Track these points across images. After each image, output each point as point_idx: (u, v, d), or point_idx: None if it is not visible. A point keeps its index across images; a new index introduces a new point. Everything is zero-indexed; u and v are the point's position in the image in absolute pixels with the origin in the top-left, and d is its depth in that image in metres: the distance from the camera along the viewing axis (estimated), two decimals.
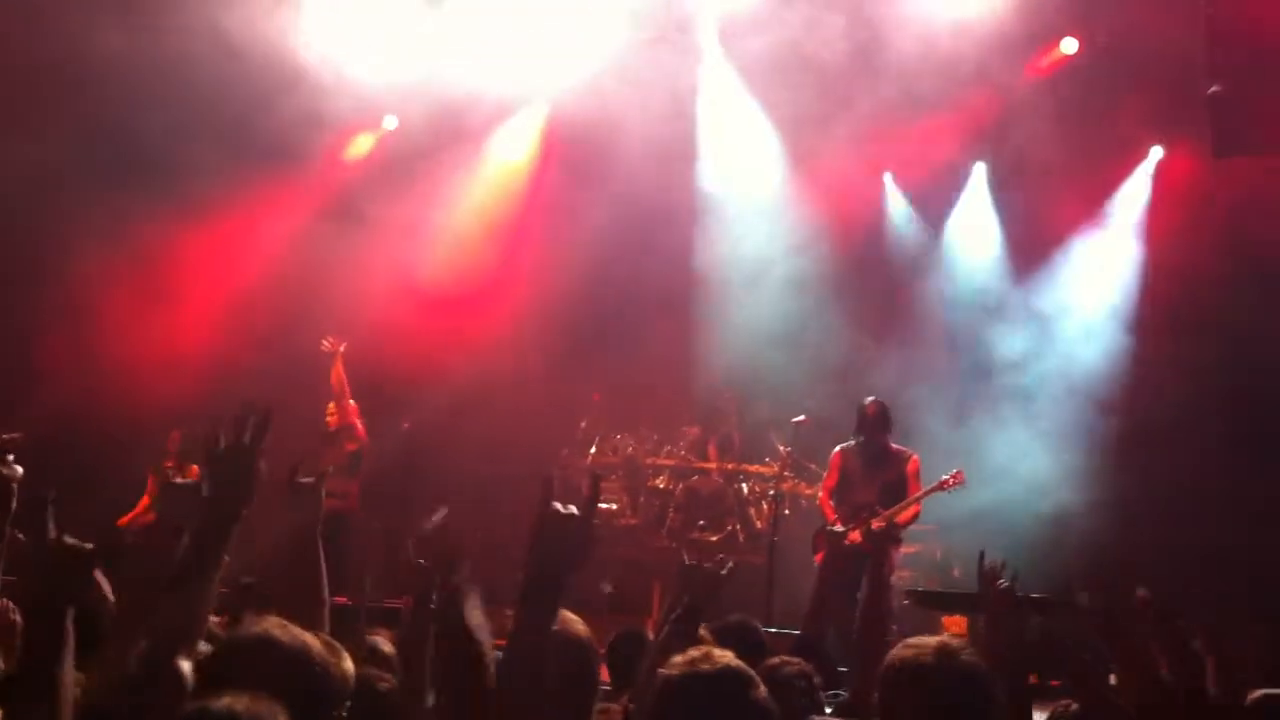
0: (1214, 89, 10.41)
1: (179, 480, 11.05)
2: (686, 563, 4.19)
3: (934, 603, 10.21)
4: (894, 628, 10.23)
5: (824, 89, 12.23)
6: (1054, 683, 5.02)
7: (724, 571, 4.12)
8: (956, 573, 11.46)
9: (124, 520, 11.46)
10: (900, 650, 3.23)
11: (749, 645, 5.02)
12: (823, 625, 9.24)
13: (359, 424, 11.20)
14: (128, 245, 12.47)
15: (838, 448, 9.93)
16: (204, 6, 11.83)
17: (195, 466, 11.58)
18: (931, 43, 12.01)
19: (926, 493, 9.52)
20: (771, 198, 13.32)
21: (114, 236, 12.33)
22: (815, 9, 11.80)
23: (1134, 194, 12.85)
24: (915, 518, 9.69)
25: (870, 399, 9.78)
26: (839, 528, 9.56)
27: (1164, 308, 12.27)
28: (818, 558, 9.78)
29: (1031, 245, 13.01)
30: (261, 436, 3.02)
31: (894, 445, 9.73)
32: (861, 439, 9.71)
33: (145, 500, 11.60)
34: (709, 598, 4.09)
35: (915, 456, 9.69)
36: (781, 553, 10.49)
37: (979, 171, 13.47)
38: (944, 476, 9.59)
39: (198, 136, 12.20)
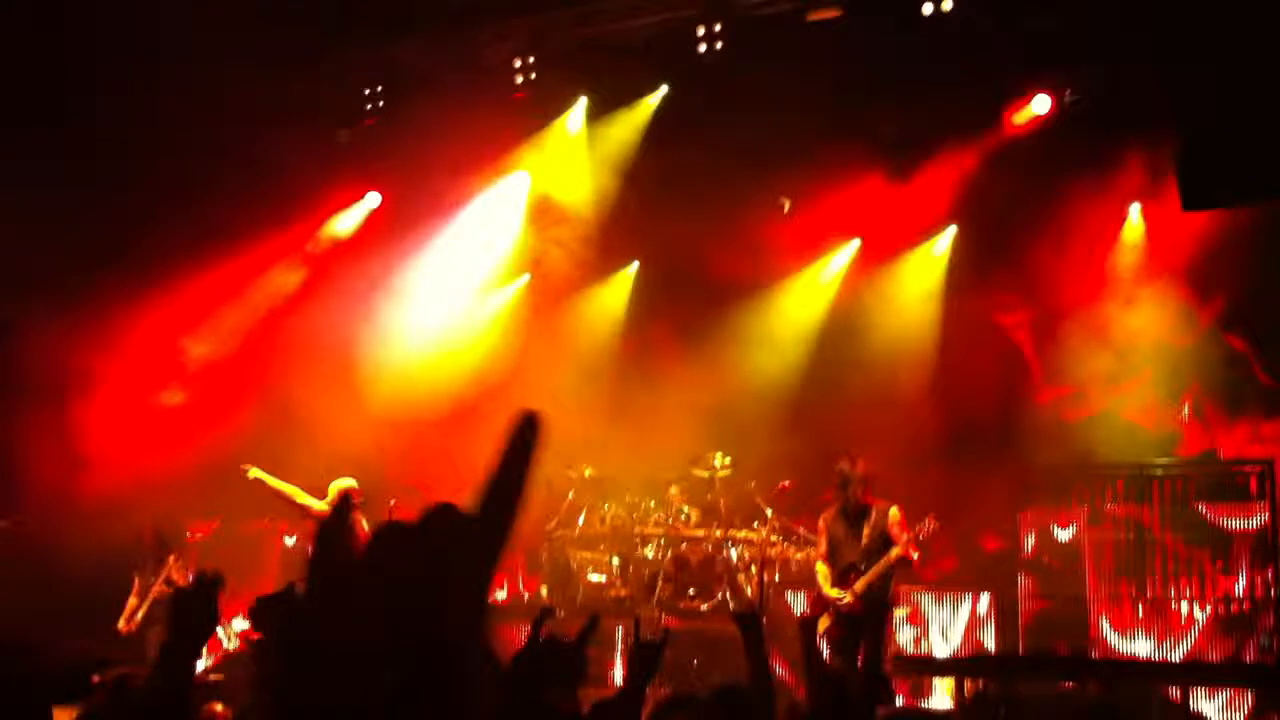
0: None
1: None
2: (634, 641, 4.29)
3: (921, 667, 10.21)
4: (895, 691, 10.26)
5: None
6: None
7: (660, 642, 4.21)
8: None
9: (124, 621, 11.49)
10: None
11: (739, 710, 5.07)
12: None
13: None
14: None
15: (822, 514, 9.99)
16: None
17: (171, 558, 11.63)
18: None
19: (906, 542, 9.45)
20: None
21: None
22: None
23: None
24: (910, 556, 9.57)
25: (844, 457, 9.80)
26: (833, 596, 9.57)
27: None
28: (821, 625, 9.77)
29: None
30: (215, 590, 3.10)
31: (874, 500, 9.75)
32: (842, 500, 9.75)
33: (133, 600, 11.60)
34: (647, 675, 4.16)
35: (895, 506, 9.70)
36: (772, 618, 10.44)
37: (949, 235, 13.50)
38: (919, 526, 9.62)
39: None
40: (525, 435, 2.75)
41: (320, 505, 10.77)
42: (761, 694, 4.44)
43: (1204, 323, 12.11)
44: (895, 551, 9.45)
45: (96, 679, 7.31)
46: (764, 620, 10.31)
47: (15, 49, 11.67)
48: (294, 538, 10.85)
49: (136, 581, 11.73)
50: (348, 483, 10.73)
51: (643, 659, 4.18)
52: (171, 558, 11.75)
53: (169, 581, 11.59)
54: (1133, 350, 12.20)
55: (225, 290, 13.78)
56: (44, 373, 12.66)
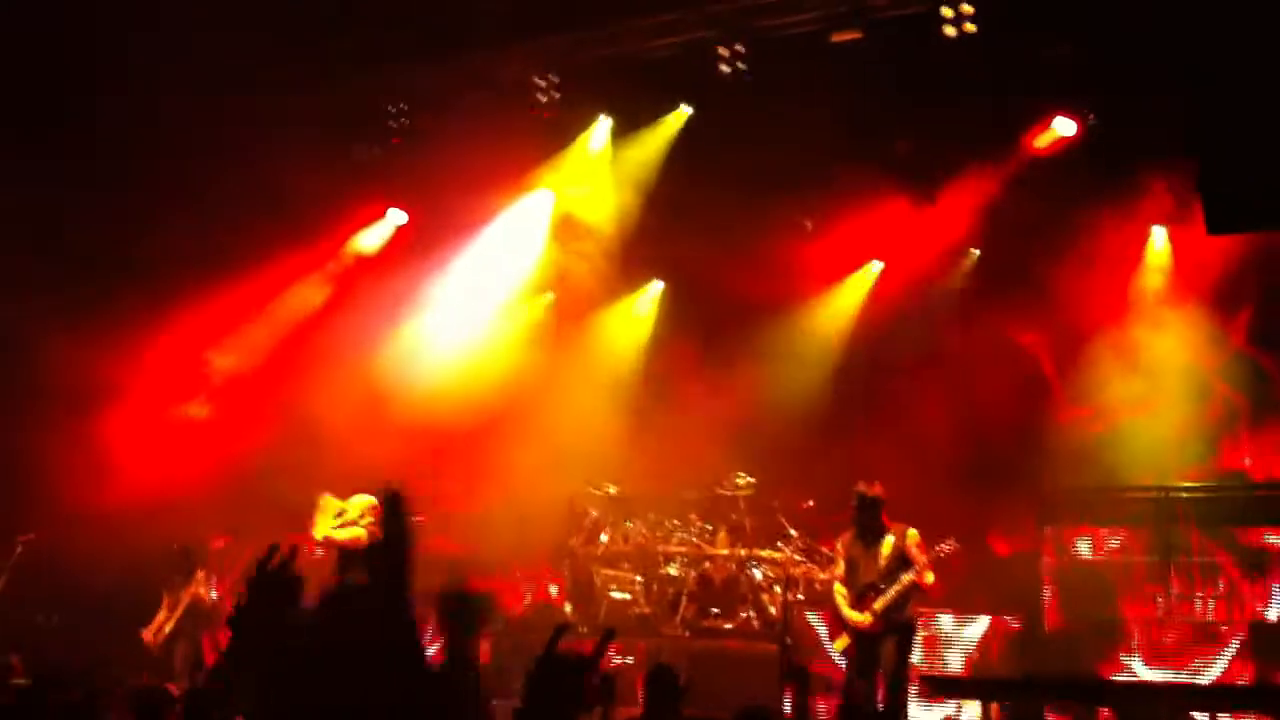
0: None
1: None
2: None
3: (947, 688, 10.23)
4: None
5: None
6: None
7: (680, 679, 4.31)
8: None
9: (151, 634, 11.60)
10: None
11: None
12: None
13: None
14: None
15: (839, 537, 10.03)
16: None
17: (200, 574, 11.74)
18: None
19: (923, 565, 9.51)
20: None
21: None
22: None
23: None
24: (924, 583, 9.65)
25: (862, 482, 9.87)
26: (853, 619, 9.62)
27: None
28: (835, 645, 9.82)
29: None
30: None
31: (892, 522, 9.80)
32: (860, 523, 9.80)
33: (162, 614, 11.70)
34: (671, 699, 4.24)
35: (913, 529, 9.76)
36: (796, 638, 10.50)
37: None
38: (937, 546, 9.64)
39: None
40: (395, 513, 3.32)
41: (354, 532, 10.70)
42: None
43: (1230, 343, 12.09)
44: (909, 576, 9.49)
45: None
46: (787, 640, 10.46)
47: (48, 58, 11.81)
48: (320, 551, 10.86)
49: (165, 596, 11.84)
50: (368, 500, 10.77)
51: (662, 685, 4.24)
52: (200, 573, 11.85)
53: (197, 597, 11.70)
54: (1158, 371, 12.19)
55: (250, 305, 13.93)
56: (68, 385, 12.77)
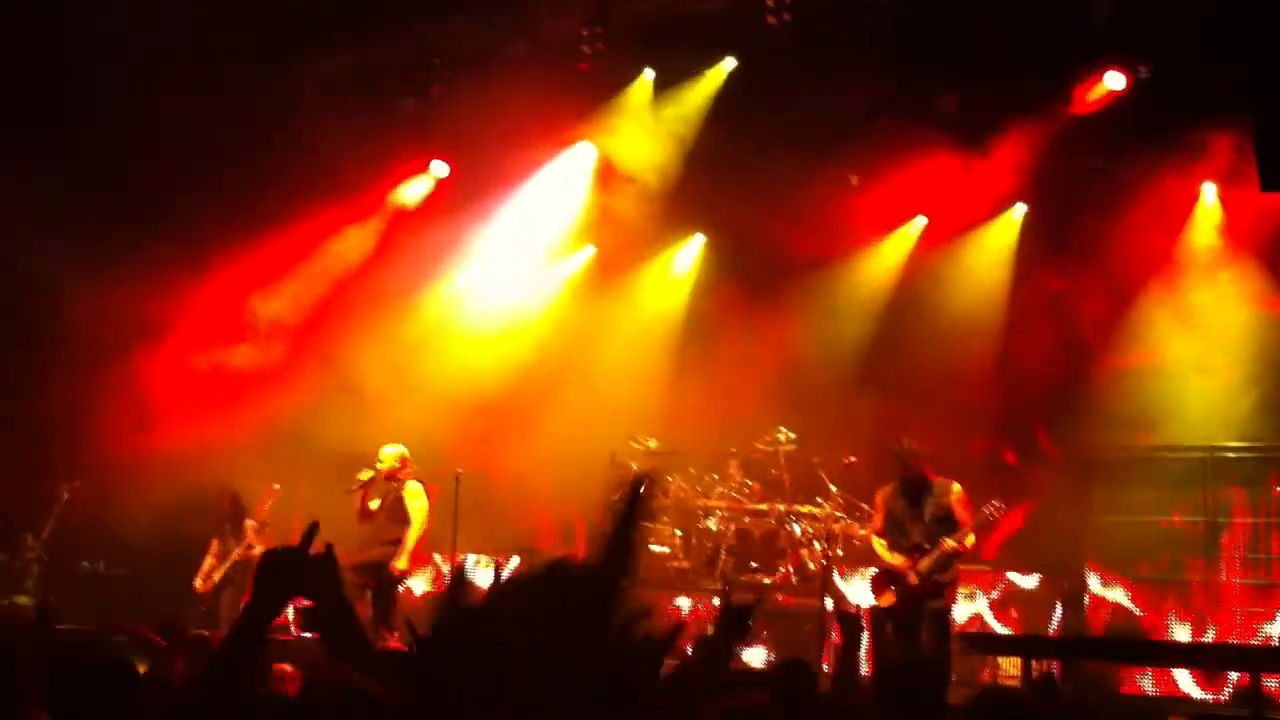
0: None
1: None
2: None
3: (986, 645, 10.21)
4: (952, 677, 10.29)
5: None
6: None
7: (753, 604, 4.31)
8: None
9: (201, 580, 11.75)
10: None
11: (803, 684, 5.13)
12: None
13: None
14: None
15: (879, 491, 10.01)
16: None
17: (251, 523, 11.87)
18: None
19: (959, 539, 9.50)
20: None
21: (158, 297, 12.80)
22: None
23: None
24: (965, 549, 9.66)
25: (904, 435, 9.83)
26: (899, 569, 9.60)
27: None
28: (879, 600, 9.80)
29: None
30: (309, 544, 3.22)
31: (934, 476, 9.76)
32: (902, 477, 9.76)
33: (210, 561, 11.84)
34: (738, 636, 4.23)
35: (957, 485, 9.71)
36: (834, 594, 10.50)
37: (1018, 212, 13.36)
38: (984, 507, 9.60)
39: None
40: (637, 497, 2.86)
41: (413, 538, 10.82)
42: (845, 687, 4.49)
43: None
44: (951, 543, 9.45)
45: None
46: (826, 595, 10.46)
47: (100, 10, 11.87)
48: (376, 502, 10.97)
49: (215, 543, 11.96)
50: (399, 450, 10.93)
51: (733, 622, 4.20)
52: (249, 521, 11.98)
53: (249, 546, 11.84)
54: (1207, 330, 12.03)
55: (293, 256, 13.97)
56: (112, 331, 12.88)
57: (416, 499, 10.68)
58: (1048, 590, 11.48)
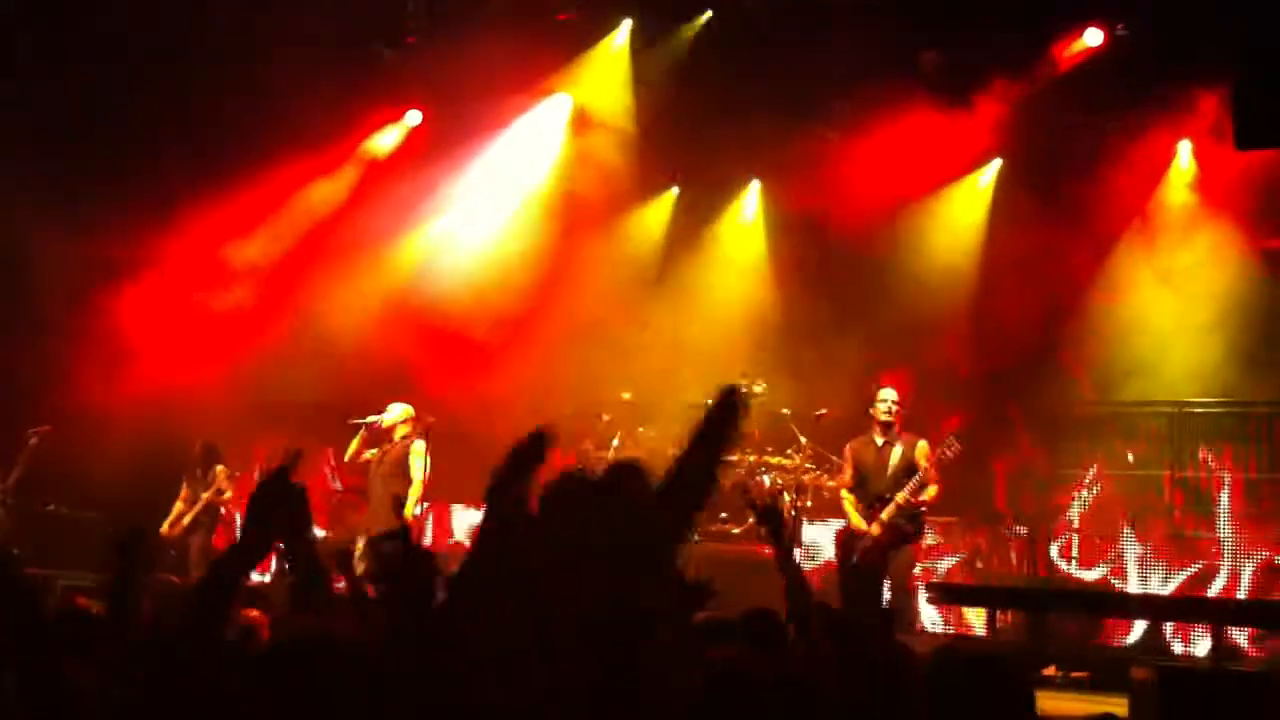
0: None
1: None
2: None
3: (953, 596, 10.29)
4: (919, 627, 10.38)
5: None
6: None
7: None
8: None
9: (169, 525, 11.70)
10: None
11: (772, 632, 5.13)
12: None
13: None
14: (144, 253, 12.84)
15: (849, 443, 10.04)
16: None
17: (221, 469, 11.84)
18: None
19: (927, 470, 9.54)
20: None
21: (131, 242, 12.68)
22: None
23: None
24: (931, 498, 9.72)
25: (885, 386, 9.87)
26: (861, 528, 9.64)
27: None
28: (843, 557, 9.86)
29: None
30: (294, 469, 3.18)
31: (903, 432, 9.80)
32: (872, 427, 9.80)
33: (180, 506, 11.80)
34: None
35: (924, 440, 9.77)
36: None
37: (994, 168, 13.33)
38: (940, 448, 9.66)
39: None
40: (729, 413, 2.61)
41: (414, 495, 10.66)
42: (794, 590, 4.42)
43: (1256, 261, 11.92)
44: (902, 496, 9.47)
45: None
46: (796, 548, 10.50)
47: None
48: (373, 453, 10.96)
49: (185, 489, 11.92)
50: (406, 410, 10.86)
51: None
52: (220, 468, 11.95)
53: (219, 492, 11.81)
54: (1180, 287, 12.08)
55: (266, 204, 13.86)
56: (81, 275, 12.78)
57: (419, 458, 10.64)
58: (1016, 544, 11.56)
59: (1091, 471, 11.85)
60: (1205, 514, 11.32)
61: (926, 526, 10.15)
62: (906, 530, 9.66)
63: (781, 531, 4.62)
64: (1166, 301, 12.07)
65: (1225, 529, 11.05)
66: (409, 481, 10.53)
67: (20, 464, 12.14)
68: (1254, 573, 10.84)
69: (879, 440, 9.82)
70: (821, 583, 10.45)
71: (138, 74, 12.69)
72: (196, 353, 13.28)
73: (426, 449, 10.66)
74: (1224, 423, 11.72)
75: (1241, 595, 10.70)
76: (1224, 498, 11.22)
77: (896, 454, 9.72)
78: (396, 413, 10.84)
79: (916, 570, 10.28)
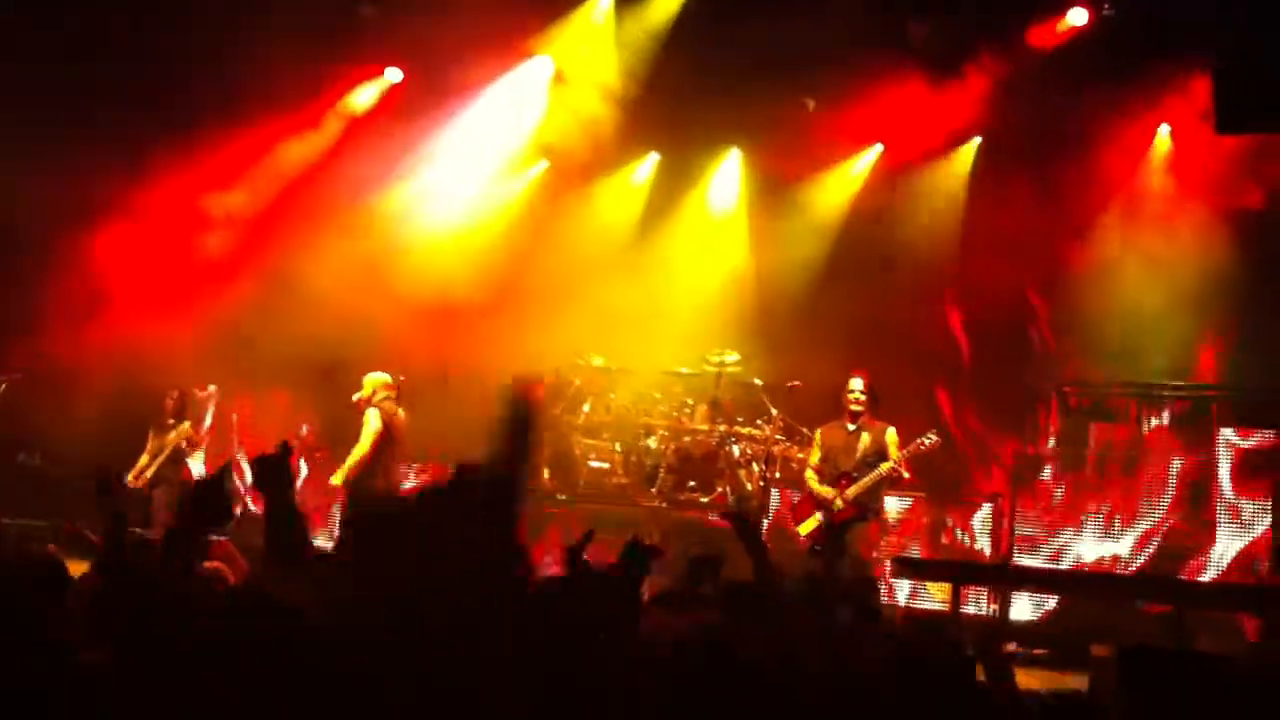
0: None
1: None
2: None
3: (918, 571, 10.34)
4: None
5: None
6: None
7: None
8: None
9: (133, 477, 11.60)
10: None
11: (743, 603, 5.16)
12: None
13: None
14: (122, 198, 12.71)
15: (820, 428, 10.06)
16: None
17: (188, 424, 11.76)
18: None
19: (902, 457, 9.61)
20: None
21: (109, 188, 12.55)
22: None
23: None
24: (894, 482, 9.78)
25: (856, 374, 9.87)
26: (826, 499, 9.65)
27: None
28: (800, 529, 9.86)
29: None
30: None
31: (873, 420, 9.83)
32: (844, 415, 9.82)
33: (145, 458, 11.72)
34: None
35: (893, 428, 9.82)
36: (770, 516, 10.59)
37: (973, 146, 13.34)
38: (919, 439, 9.69)
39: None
40: (520, 406, 3.30)
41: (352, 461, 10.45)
42: (766, 583, 4.52)
43: (1232, 244, 11.96)
44: (886, 466, 9.56)
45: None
46: (763, 519, 10.54)
47: None
48: None
49: (150, 440, 11.85)
50: (374, 378, 10.72)
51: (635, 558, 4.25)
52: (187, 424, 11.88)
53: (180, 447, 11.74)
54: (1156, 269, 12.11)
55: (244, 158, 13.74)
56: (53, 225, 12.64)
57: (369, 424, 10.49)
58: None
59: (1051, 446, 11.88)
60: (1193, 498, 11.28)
61: (883, 510, 10.15)
62: (868, 507, 9.68)
63: (754, 539, 4.78)
64: (1139, 282, 12.11)
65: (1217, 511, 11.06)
66: (387, 449, 10.41)
67: None
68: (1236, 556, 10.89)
69: (849, 426, 9.83)
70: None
71: (118, 25, 12.52)
72: (170, 303, 13.15)
73: (385, 415, 10.47)
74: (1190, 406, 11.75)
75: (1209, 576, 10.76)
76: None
77: (865, 439, 9.75)
78: (366, 381, 10.72)
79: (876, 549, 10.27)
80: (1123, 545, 11.17)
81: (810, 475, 9.93)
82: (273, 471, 3.64)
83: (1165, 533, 11.14)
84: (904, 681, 3.51)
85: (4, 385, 12.01)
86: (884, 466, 9.56)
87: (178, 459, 11.81)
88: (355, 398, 10.57)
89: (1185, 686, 4.90)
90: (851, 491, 9.60)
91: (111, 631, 3.39)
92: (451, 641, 2.78)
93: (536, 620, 3.17)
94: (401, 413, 10.57)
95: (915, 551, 11.10)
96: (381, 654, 2.76)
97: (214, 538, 9.39)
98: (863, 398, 9.77)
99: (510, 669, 2.94)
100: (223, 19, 12.57)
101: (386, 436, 10.36)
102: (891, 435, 9.77)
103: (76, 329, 12.77)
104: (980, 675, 3.87)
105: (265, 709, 2.88)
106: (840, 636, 5.90)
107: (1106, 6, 12.10)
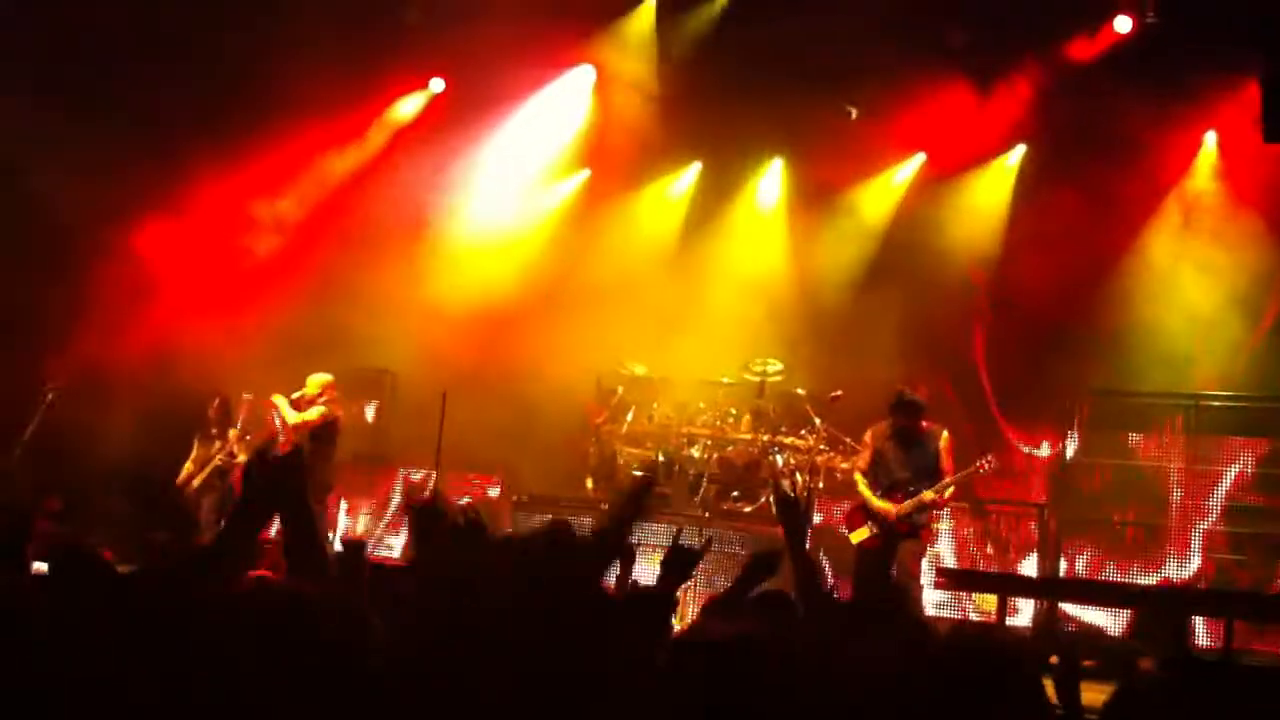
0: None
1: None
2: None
3: (965, 582, 10.29)
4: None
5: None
6: None
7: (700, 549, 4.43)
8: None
9: (181, 482, 11.74)
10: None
11: (783, 612, 5.15)
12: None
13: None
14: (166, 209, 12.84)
15: (870, 428, 10.00)
16: None
17: (233, 432, 11.87)
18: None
19: (960, 477, 9.60)
20: None
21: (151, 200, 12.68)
22: None
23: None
24: (943, 501, 9.77)
25: (905, 384, 9.82)
26: (884, 508, 9.62)
27: None
28: (852, 536, 9.84)
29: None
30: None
31: (928, 424, 9.77)
32: (895, 419, 9.76)
33: (191, 466, 11.85)
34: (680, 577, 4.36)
35: (946, 432, 9.74)
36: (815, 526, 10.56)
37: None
38: (978, 461, 9.68)
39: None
40: (640, 496, 3.69)
41: (299, 416, 11.00)
42: (802, 580, 4.50)
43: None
44: (929, 495, 9.49)
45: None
46: (809, 528, 10.52)
47: None
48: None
49: (196, 448, 11.94)
50: (325, 378, 11.05)
51: (679, 563, 4.26)
52: (233, 431, 11.96)
53: (230, 454, 11.82)
54: (1202, 278, 12.01)
55: (288, 164, 13.81)
56: (92, 230, 12.74)
57: (319, 409, 10.96)
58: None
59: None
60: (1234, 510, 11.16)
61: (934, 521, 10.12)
62: (916, 522, 9.64)
63: (798, 523, 4.72)
64: (1185, 291, 12.02)
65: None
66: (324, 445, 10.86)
67: (34, 420, 12.13)
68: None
69: (900, 431, 9.75)
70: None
71: (164, 34, 12.64)
72: (219, 310, 13.24)
73: (328, 415, 10.98)
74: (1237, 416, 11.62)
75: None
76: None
77: (919, 447, 9.68)
78: (310, 382, 11.15)
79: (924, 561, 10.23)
80: (1169, 559, 11.07)
81: (860, 480, 9.84)
82: (288, 476, 3.66)
83: (1209, 544, 11.04)
84: (963, 698, 3.41)
85: (51, 396, 12.08)
86: (927, 496, 9.48)
87: (226, 469, 11.90)
88: (296, 395, 10.93)
89: (1230, 699, 4.86)
90: (907, 506, 9.54)
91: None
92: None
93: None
94: (341, 415, 11.15)
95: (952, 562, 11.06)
96: (455, 673, 2.79)
97: (266, 540, 9.55)
98: (909, 411, 9.70)
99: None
100: (270, 28, 12.67)
101: (326, 434, 10.87)
102: (945, 438, 9.71)
103: (122, 335, 12.85)
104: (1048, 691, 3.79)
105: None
106: (887, 650, 5.89)
107: (1150, 14, 12.02)
